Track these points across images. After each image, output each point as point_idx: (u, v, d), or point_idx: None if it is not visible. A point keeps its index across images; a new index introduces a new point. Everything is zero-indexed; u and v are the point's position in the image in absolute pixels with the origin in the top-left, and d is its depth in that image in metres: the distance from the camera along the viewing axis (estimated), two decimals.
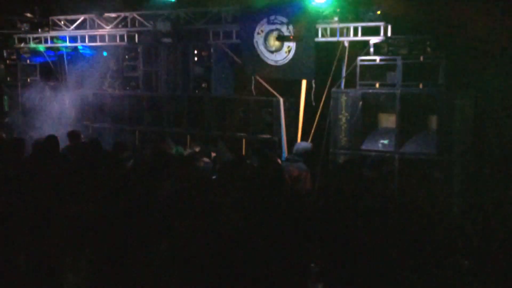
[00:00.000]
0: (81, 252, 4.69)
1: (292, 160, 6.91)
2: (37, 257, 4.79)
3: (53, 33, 10.73)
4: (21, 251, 4.87)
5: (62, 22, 10.61)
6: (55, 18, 10.68)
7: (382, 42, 7.75)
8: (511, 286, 4.31)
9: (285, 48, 8.22)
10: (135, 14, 9.76)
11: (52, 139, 6.61)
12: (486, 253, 4.68)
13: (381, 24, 7.68)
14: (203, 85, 9.38)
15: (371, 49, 7.85)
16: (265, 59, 8.44)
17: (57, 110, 10.78)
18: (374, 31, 7.77)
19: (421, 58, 7.47)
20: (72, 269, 4.62)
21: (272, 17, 8.27)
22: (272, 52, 8.35)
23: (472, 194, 7.22)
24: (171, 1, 9.28)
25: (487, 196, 7.02)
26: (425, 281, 4.32)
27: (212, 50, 9.25)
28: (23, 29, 10.90)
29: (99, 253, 4.55)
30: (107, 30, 10.13)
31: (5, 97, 11.35)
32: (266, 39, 8.38)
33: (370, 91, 7.80)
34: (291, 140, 8.37)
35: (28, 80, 11.23)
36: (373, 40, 7.78)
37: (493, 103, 7.47)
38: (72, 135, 8.03)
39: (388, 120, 7.89)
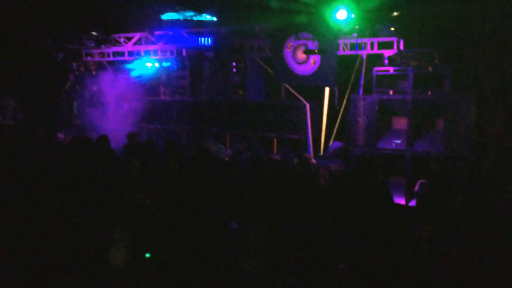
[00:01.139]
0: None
1: (329, 158, 6.89)
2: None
3: (114, 49, 10.65)
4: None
5: (122, 39, 10.56)
6: (115, 35, 10.62)
7: (395, 54, 7.62)
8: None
9: (311, 60, 8.12)
10: (182, 32, 9.64)
11: (104, 138, 6.45)
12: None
13: (395, 39, 7.57)
14: (240, 92, 9.39)
15: (386, 61, 7.70)
16: (293, 70, 8.34)
17: (118, 113, 10.64)
18: (388, 45, 7.65)
19: (430, 69, 7.39)
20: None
21: (300, 34, 8.15)
22: (299, 63, 8.25)
23: (474, 186, 7.09)
24: (213, 20, 9.31)
25: (487, 189, 6.87)
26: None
27: (247, 62, 9.21)
28: (89, 45, 10.90)
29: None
30: (159, 46, 10.06)
31: (75, 103, 11.38)
32: (294, 52, 8.29)
33: (385, 97, 7.69)
34: (316, 139, 8.28)
35: (93, 88, 11.16)
36: (388, 53, 7.65)
37: (493, 106, 7.27)
38: (130, 136, 8.19)
39: (400, 122, 7.77)
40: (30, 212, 4.16)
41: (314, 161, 6.56)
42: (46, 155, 6.71)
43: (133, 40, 10.41)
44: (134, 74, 10.76)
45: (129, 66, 10.76)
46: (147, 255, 3.63)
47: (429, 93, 7.40)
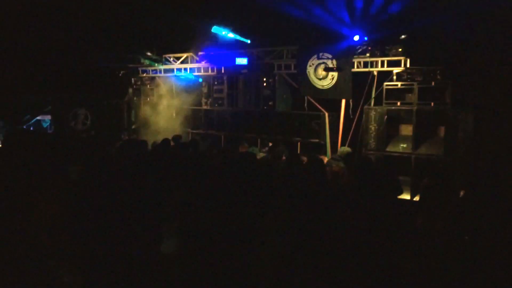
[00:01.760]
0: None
1: (335, 159, 7.16)
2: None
3: (165, 67, 11.18)
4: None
5: (172, 58, 11.07)
6: (166, 55, 11.10)
7: (402, 71, 7.80)
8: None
9: (329, 76, 8.33)
10: (222, 53, 10.05)
11: (166, 141, 7.16)
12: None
13: (402, 58, 7.76)
14: (270, 103, 9.52)
15: (394, 77, 7.91)
16: (315, 84, 8.54)
17: (167, 119, 11.14)
18: (397, 64, 7.84)
19: (433, 83, 7.50)
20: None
21: (321, 54, 8.41)
22: (320, 79, 8.47)
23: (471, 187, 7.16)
24: (247, 42, 9.57)
25: (483, 190, 6.89)
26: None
27: (276, 78, 9.38)
28: (145, 63, 11.46)
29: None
30: (202, 64, 10.59)
31: (133, 112, 11.83)
32: (315, 69, 8.51)
33: (393, 108, 7.82)
34: (334, 144, 8.47)
35: (148, 99, 11.75)
36: (396, 70, 7.86)
37: (489, 116, 7.32)
38: (175, 138, 8.60)
39: (407, 130, 7.89)
40: (103, 207, 3.94)
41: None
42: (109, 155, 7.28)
43: (181, 59, 10.93)
44: (181, 85, 11.24)
45: (178, 79, 11.25)
46: None
47: (432, 104, 7.52)
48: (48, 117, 12.26)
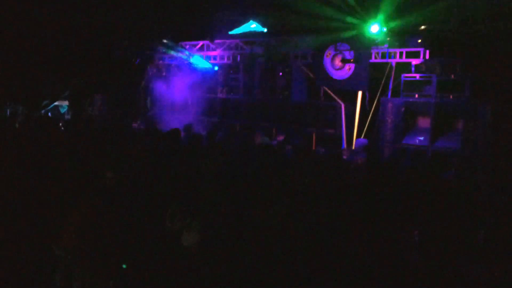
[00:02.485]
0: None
1: (355, 153, 7.11)
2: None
3: (180, 54, 11.08)
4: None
5: (187, 46, 11.10)
6: (182, 43, 11.03)
7: (421, 63, 7.68)
8: None
9: (346, 67, 8.28)
10: (237, 41, 10.22)
11: (175, 131, 6.99)
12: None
13: (421, 49, 7.65)
14: (285, 92, 9.48)
15: (413, 69, 7.80)
16: (331, 75, 8.52)
17: (182, 107, 11.10)
18: (415, 55, 7.73)
19: (452, 76, 7.37)
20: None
21: (338, 44, 8.36)
22: (336, 69, 8.43)
23: (490, 182, 7.13)
24: (263, 32, 9.59)
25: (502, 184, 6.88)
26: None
27: (292, 67, 9.34)
28: (160, 50, 11.48)
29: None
30: (217, 52, 10.61)
31: (148, 98, 11.90)
32: (332, 60, 8.47)
33: (411, 100, 7.73)
34: (349, 135, 8.44)
35: (163, 86, 11.51)
36: (414, 62, 7.76)
37: (509, 110, 7.18)
38: (186, 128, 8.45)
39: (424, 122, 7.78)
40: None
41: (345, 157, 6.84)
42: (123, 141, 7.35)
43: (197, 47, 10.97)
44: (197, 73, 11.21)
45: (194, 66, 11.21)
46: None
47: (451, 97, 7.43)
48: (65, 103, 12.44)
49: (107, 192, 4.04)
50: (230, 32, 9.66)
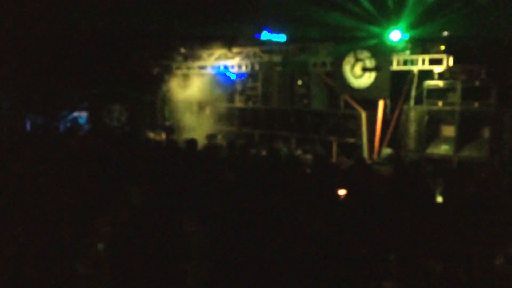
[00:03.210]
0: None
1: (381, 164, 7.11)
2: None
3: (198, 63, 11.18)
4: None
5: (205, 55, 11.10)
6: (200, 51, 11.08)
7: (445, 70, 7.57)
8: None
9: (366, 75, 8.21)
10: (256, 50, 10.16)
11: (192, 141, 6.86)
12: None
13: (444, 56, 7.54)
14: (305, 101, 9.48)
15: (436, 76, 7.70)
16: (351, 83, 8.44)
17: (200, 116, 11.18)
18: (438, 61, 7.62)
19: (477, 83, 7.27)
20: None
21: (358, 51, 8.28)
22: (356, 78, 8.36)
23: None
24: (282, 40, 9.53)
25: None
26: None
27: (311, 75, 9.33)
28: (178, 59, 11.51)
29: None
30: (236, 60, 10.51)
31: (167, 108, 11.98)
32: (352, 68, 8.39)
33: (434, 108, 7.64)
34: (370, 144, 8.32)
35: (181, 96, 11.46)
36: (437, 69, 7.64)
37: None
38: (209, 137, 8.81)
39: (448, 130, 7.66)
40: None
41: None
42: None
43: (215, 56, 10.98)
44: (215, 82, 11.24)
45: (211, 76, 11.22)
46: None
47: (476, 105, 7.30)
48: (84, 114, 12.61)
49: (132, 206, 4.03)
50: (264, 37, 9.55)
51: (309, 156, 7.92)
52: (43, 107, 12.26)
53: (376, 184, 5.66)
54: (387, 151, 7.16)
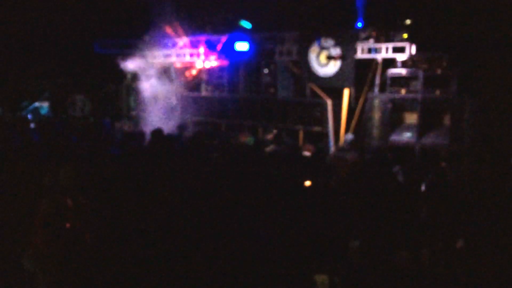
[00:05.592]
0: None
1: (346, 150, 7.12)
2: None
3: (163, 52, 10.77)
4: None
5: (170, 43, 10.65)
6: (164, 40, 10.63)
7: (407, 58, 7.64)
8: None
9: (332, 63, 8.22)
10: (221, 38, 9.86)
11: (158, 131, 6.78)
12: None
13: (407, 44, 7.60)
14: (271, 90, 9.42)
15: (399, 64, 7.76)
16: (317, 72, 8.46)
17: (166, 107, 10.86)
18: (401, 50, 7.68)
19: (438, 71, 7.37)
20: None
21: (323, 40, 8.26)
22: (322, 66, 8.38)
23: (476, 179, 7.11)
24: (248, 28, 9.42)
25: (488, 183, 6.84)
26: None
27: (277, 64, 9.26)
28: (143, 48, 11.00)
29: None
30: (203, 49, 10.15)
31: (131, 98, 11.68)
32: (317, 56, 8.39)
33: (397, 96, 7.72)
34: (336, 132, 8.39)
35: (147, 85, 11.02)
36: (400, 57, 7.72)
37: (496, 105, 7.21)
38: (180, 127, 8.64)
39: (411, 118, 7.79)
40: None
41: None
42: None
43: (180, 44, 10.63)
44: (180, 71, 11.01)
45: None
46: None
47: (437, 92, 7.41)
48: (46, 104, 12.17)
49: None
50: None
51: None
52: (2, 97, 11.78)
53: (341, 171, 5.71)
54: (349, 136, 7.17)
